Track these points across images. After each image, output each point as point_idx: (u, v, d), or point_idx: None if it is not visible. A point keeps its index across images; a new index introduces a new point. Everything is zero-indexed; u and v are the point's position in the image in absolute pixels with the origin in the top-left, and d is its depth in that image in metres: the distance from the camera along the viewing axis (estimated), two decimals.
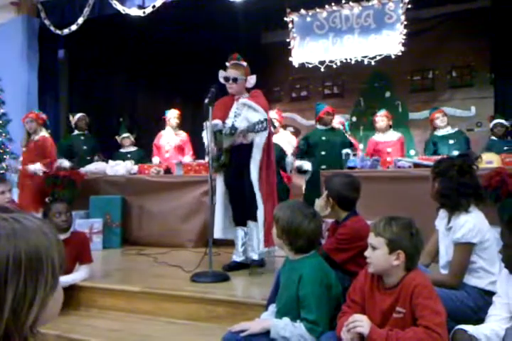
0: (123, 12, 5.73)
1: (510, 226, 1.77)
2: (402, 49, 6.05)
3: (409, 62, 7.32)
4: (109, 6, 5.80)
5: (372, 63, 6.22)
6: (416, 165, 4.21)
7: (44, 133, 5.24)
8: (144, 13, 5.64)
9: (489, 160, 4.05)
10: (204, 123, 3.52)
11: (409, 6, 5.95)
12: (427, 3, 7.15)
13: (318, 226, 2.05)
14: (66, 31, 6.18)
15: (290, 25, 6.59)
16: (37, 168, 4.98)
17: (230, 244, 3.83)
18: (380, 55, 6.15)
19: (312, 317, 1.90)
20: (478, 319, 1.96)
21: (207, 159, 5.15)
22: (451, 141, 5.25)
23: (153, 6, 5.57)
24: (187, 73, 7.38)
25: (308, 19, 6.51)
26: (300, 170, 5.14)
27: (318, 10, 6.43)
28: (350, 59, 6.34)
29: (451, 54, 7.58)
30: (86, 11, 6.00)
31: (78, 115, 6.01)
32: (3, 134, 6.12)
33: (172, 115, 6.08)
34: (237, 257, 3.62)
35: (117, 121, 6.35)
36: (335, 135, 5.33)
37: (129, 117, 7.38)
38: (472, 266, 2.16)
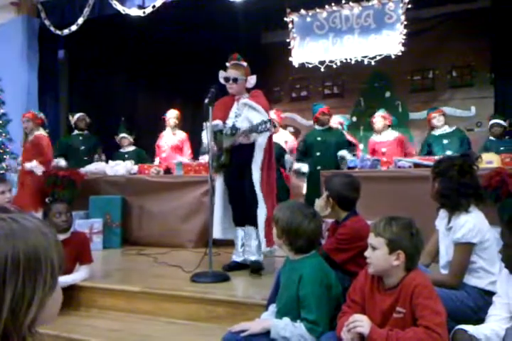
0: (123, 12, 5.73)
1: (510, 226, 1.77)
2: (402, 49, 6.04)
3: (409, 62, 7.31)
4: (109, 6, 5.80)
5: (372, 63, 6.21)
6: (416, 165, 4.22)
7: (40, 132, 5.22)
8: (143, 13, 5.64)
9: (489, 160, 4.05)
10: (204, 123, 3.51)
11: (409, 6, 5.94)
12: (427, 3, 7.15)
13: (318, 227, 2.05)
14: (66, 31, 6.19)
15: (290, 26, 6.59)
16: (33, 165, 4.97)
17: (230, 244, 3.83)
18: (380, 55, 6.15)
19: (312, 317, 1.89)
20: (478, 319, 1.96)
21: (201, 158, 5.21)
22: (445, 141, 5.26)
23: (153, 6, 5.57)
24: (187, 73, 7.37)
25: (308, 19, 6.51)
26: (298, 172, 5.17)
27: (318, 10, 6.42)
28: (350, 59, 6.33)
29: (452, 54, 7.58)
30: (86, 11, 6.00)
31: (78, 115, 6.00)
32: (3, 134, 6.12)
33: (171, 115, 6.10)
34: (237, 257, 3.61)
35: (117, 121, 6.34)
36: (331, 135, 5.32)
37: (129, 117, 7.37)
38: (472, 266, 2.16)
